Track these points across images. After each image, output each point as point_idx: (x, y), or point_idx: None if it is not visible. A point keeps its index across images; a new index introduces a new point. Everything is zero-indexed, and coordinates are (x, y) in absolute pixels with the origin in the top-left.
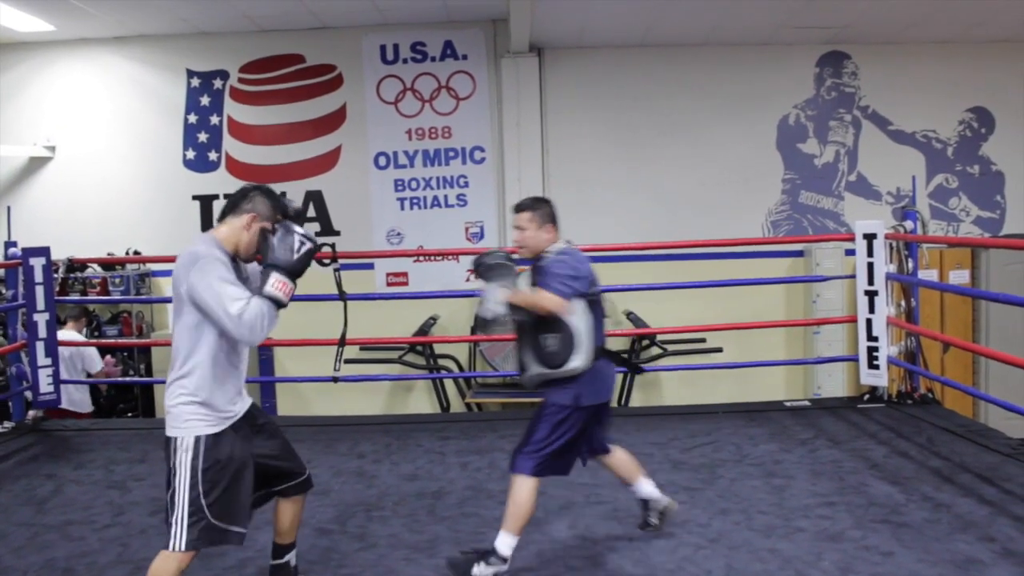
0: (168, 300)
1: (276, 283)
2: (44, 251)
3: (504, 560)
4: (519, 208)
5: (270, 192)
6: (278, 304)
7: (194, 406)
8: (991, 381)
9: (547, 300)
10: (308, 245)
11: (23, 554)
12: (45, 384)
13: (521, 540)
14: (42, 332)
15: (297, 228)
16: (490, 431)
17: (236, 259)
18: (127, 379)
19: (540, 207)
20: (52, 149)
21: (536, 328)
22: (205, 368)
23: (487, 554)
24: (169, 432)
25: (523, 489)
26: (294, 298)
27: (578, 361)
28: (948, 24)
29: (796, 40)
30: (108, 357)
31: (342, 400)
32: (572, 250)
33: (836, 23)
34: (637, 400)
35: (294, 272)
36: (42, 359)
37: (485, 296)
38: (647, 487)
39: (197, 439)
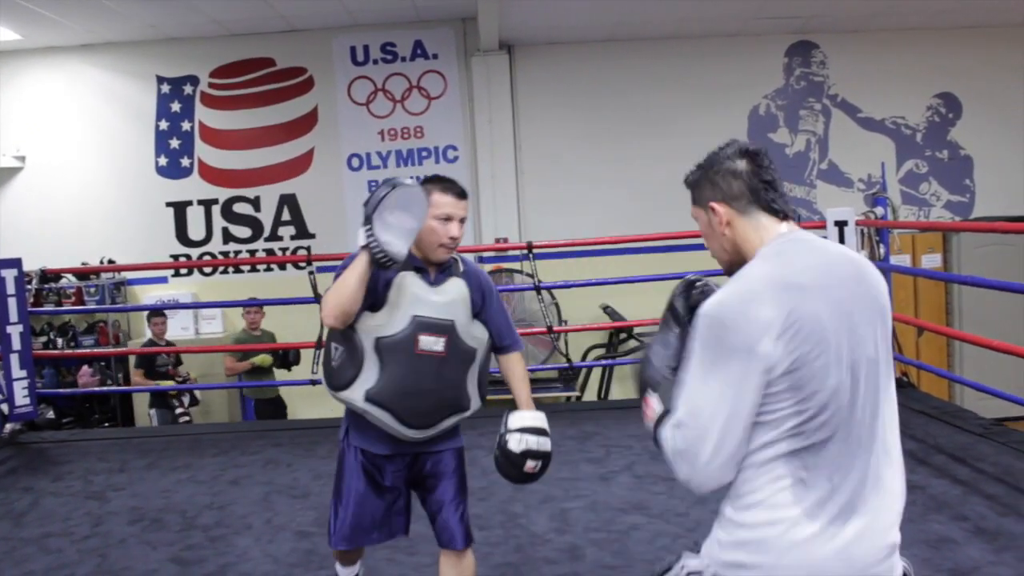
0: (140, 308)
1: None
2: (16, 262)
3: None
4: (462, 193)
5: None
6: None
7: None
8: (965, 363)
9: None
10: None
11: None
12: (21, 397)
13: (502, 535)
14: (16, 344)
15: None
16: (469, 428)
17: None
18: (105, 389)
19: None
20: (22, 159)
21: (483, 361)
22: None
23: None
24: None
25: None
26: (268, 302)
27: None
28: (914, 11)
29: (765, 31)
30: (85, 367)
31: (322, 404)
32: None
33: (804, 13)
34: (616, 393)
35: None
36: (17, 371)
37: None
38: None
39: None
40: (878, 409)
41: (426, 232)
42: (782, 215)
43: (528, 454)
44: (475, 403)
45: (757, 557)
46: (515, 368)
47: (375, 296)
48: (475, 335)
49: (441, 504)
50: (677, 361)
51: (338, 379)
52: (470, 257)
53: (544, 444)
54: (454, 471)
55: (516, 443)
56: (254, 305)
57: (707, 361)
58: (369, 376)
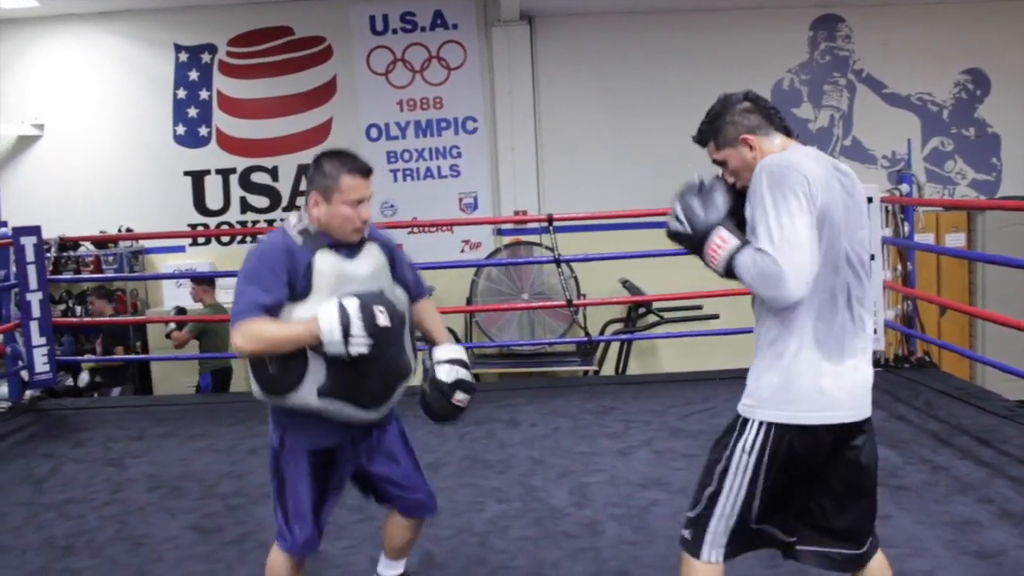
0: (158, 277)
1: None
2: (35, 230)
3: None
4: (368, 170)
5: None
6: None
7: None
8: (988, 343)
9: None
10: None
11: (22, 533)
12: (40, 364)
13: (520, 508)
14: (36, 311)
15: None
16: (487, 402)
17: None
18: (123, 357)
19: None
20: (40, 127)
21: (411, 321)
22: None
23: None
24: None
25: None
26: None
27: None
28: None
29: (789, 4)
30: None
31: None
32: None
33: None
34: (634, 368)
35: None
36: (37, 338)
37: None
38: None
39: None
40: (865, 278)
41: (339, 220)
42: (792, 134)
43: (459, 384)
44: (413, 364)
45: (784, 393)
46: (429, 309)
47: (296, 287)
48: (399, 297)
49: (407, 474)
50: (724, 214)
51: (281, 385)
52: None
53: (470, 377)
54: (405, 441)
55: (446, 373)
56: (207, 277)
57: (776, 198)
58: (316, 372)
